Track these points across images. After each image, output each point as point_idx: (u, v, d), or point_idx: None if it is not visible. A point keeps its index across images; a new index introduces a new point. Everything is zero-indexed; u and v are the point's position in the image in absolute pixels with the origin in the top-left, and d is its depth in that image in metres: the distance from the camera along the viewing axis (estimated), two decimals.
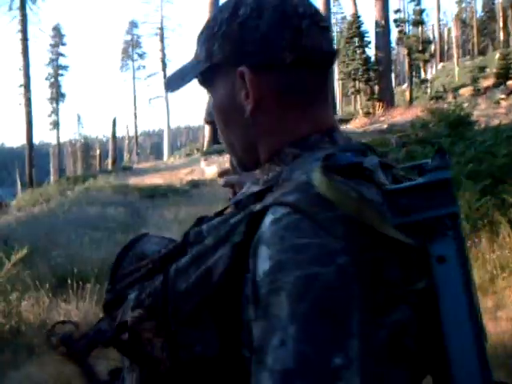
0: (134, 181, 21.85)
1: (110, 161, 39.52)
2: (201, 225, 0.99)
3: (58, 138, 62.15)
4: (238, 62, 0.98)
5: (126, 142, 60.89)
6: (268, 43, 0.96)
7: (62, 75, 60.49)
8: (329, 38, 1.03)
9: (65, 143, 75.89)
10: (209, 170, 20.54)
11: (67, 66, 61.35)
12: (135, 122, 57.10)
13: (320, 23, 1.00)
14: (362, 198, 0.80)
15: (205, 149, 28.48)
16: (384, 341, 0.76)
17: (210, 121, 1.13)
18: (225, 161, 19.63)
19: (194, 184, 17.98)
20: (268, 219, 0.82)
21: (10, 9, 38.52)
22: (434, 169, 0.83)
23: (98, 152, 53.88)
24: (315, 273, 0.75)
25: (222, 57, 1.01)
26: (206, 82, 1.09)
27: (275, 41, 0.96)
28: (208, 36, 1.04)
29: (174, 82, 1.13)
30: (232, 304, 0.85)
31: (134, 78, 59.18)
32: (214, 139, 28.85)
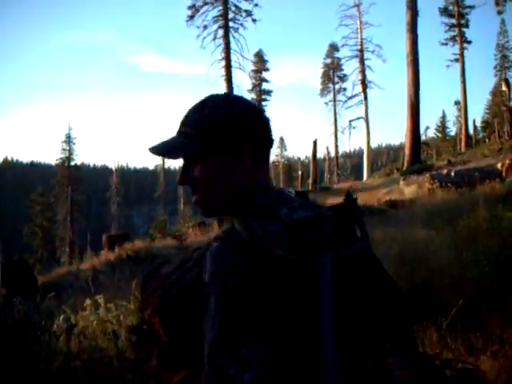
0: (331, 201, 22.07)
1: (310, 181, 40.08)
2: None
3: None
4: (239, 141, 1.59)
5: (327, 162, 61.50)
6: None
7: (265, 100, 62.62)
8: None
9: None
10: (408, 190, 20.24)
11: (271, 91, 63.48)
12: (336, 143, 57.60)
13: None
14: (256, 230, 1.37)
15: (404, 168, 28.09)
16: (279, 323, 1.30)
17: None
18: (424, 181, 19.29)
19: (392, 204, 17.75)
20: (211, 249, 1.39)
21: (215, 38, 40.57)
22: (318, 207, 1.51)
23: (299, 173, 55.01)
24: (228, 282, 1.31)
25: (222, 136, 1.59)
26: (197, 155, 1.59)
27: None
28: (207, 121, 1.60)
29: (173, 152, 1.64)
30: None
31: (334, 100, 59.82)
32: (415, 159, 28.37)
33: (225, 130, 1.59)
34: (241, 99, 1.69)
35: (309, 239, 1.36)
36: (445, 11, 48.81)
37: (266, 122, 1.67)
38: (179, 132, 1.65)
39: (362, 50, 49.17)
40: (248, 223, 1.39)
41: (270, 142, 1.69)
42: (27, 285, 15.03)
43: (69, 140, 60.52)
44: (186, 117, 1.66)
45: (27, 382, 5.07)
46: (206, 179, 1.60)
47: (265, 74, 62.57)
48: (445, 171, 19.89)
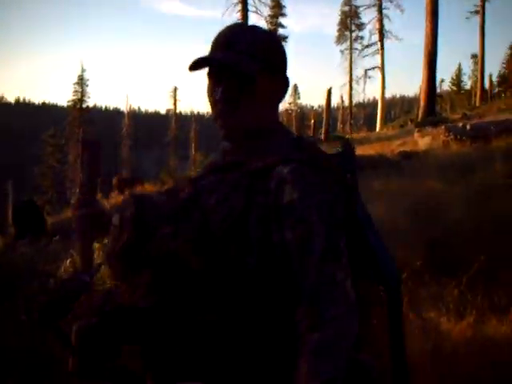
0: None
1: (323, 130, 39.80)
2: (200, 181, 1.67)
3: None
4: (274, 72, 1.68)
5: (341, 112, 61.11)
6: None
7: None
8: None
9: (281, 112, 77.84)
10: (422, 141, 19.99)
11: (286, 37, 62.55)
12: (350, 93, 57.03)
13: None
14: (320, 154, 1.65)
15: (419, 120, 27.75)
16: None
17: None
18: (439, 133, 19.01)
19: (406, 155, 17.53)
20: (284, 170, 1.52)
21: None
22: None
23: (312, 121, 54.56)
24: (325, 198, 1.49)
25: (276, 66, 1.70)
26: (248, 76, 1.61)
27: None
28: (264, 44, 1.65)
29: (237, 65, 1.60)
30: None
31: (351, 48, 59.00)
32: (429, 111, 28.02)
33: (278, 58, 1.71)
34: (276, 36, 1.88)
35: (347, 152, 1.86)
36: None
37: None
38: (228, 50, 1.62)
39: None
40: (317, 149, 1.69)
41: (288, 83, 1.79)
42: (36, 225, 15.05)
43: (81, 81, 60.02)
44: (236, 36, 1.64)
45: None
46: (253, 101, 1.65)
47: (281, 20, 61.57)
48: (460, 124, 19.58)
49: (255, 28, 1.70)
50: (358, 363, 1.48)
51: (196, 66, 1.64)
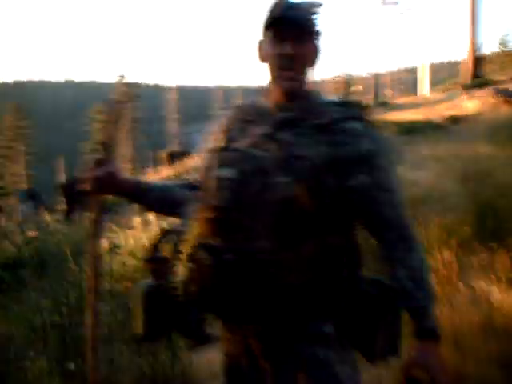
0: (391, 116, 21.58)
1: (370, 96, 39.44)
2: (278, 135, 1.86)
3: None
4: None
5: (388, 77, 60.24)
6: None
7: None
8: None
9: (326, 80, 77.15)
10: (470, 105, 19.60)
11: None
12: (394, 58, 56.15)
13: None
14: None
15: (466, 83, 27.17)
16: None
17: None
18: (487, 95, 18.60)
19: (454, 120, 17.21)
20: (355, 125, 1.85)
21: None
22: None
23: (359, 88, 54.20)
24: (387, 149, 1.85)
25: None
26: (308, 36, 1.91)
27: None
28: (313, 17, 1.90)
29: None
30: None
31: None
32: (476, 74, 27.39)
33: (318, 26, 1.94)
34: None
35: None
36: None
37: None
38: (302, 14, 1.89)
39: None
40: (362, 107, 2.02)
41: None
42: (85, 201, 15.31)
43: (128, 59, 60.40)
44: (293, 4, 1.90)
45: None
46: (307, 62, 1.94)
47: None
48: (509, 86, 19.12)
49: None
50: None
51: (276, 22, 1.89)
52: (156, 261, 1.87)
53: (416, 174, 9.80)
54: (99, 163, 1.96)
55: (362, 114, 1.89)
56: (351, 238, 1.91)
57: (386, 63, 56.09)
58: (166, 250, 1.84)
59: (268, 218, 1.75)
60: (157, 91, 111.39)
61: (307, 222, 1.76)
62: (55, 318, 5.02)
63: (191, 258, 1.78)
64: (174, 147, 57.55)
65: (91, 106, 58.69)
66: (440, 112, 20.28)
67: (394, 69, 58.18)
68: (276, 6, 1.90)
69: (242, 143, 1.88)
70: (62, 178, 43.11)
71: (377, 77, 42.09)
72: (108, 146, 1.98)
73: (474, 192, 7.46)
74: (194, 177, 2.09)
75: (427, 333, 1.73)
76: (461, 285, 5.19)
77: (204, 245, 1.78)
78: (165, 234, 1.94)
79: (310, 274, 1.78)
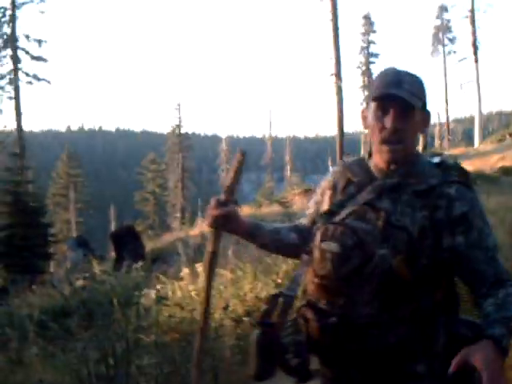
0: None
1: (420, 147, 39.15)
2: (378, 204, 2.07)
3: None
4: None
5: (437, 128, 59.79)
6: None
7: (373, 63, 61.27)
8: None
9: None
10: None
11: (378, 54, 61.97)
12: (446, 108, 55.84)
13: None
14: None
15: None
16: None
17: None
18: None
19: (506, 171, 17.02)
20: (450, 190, 2.01)
21: None
22: None
23: None
24: (481, 208, 2.03)
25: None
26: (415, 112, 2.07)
27: None
28: (421, 89, 2.13)
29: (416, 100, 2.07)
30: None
31: (444, 62, 57.77)
32: None
33: (425, 96, 2.16)
34: None
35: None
36: None
37: None
38: (399, 88, 2.04)
39: (472, 11, 47.03)
40: (459, 169, 2.16)
41: None
42: (135, 250, 15.45)
43: (179, 108, 61.40)
44: (403, 78, 2.08)
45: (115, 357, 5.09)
46: (413, 131, 2.12)
47: (372, 37, 61.09)
48: None
49: (410, 73, 2.14)
50: None
51: (379, 98, 2.09)
52: (266, 325, 2.05)
53: None
54: (221, 203, 2.21)
55: (459, 178, 2.07)
56: (449, 290, 2.09)
57: (436, 112, 55.71)
58: (275, 315, 2.06)
59: (368, 288, 1.93)
60: (213, 141, 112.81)
61: (405, 289, 1.96)
62: (101, 369, 5.06)
63: (301, 315, 2.03)
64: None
65: (143, 156, 59.65)
66: (491, 163, 20.08)
67: (443, 119, 57.61)
68: (382, 77, 2.15)
69: (346, 211, 2.10)
70: (113, 226, 43.72)
71: (430, 127, 41.81)
72: (230, 190, 2.25)
73: None
74: (301, 221, 2.43)
75: (498, 342, 1.81)
76: None
77: (312, 305, 2.02)
78: (275, 297, 2.11)
79: (407, 331, 1.99)
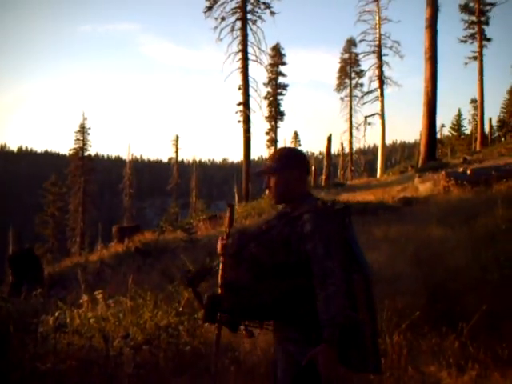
0: (344, 197, 21.75)
1: (323, 177, 39.84)
2: (271, 221, 3.41)
3: None
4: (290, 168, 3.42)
5: (341, 158, 61.13)
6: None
7: (281, 94, 62.18)
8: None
9: None
10: (423, 187, 19.90)
11: (287, 85, 62.98)
12: (350, 139, 57.29)
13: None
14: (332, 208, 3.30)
15: (419, 166, 27.73)
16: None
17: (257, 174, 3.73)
18: (439, 178, 18.93)
19: (407, 201, 17.38)
20: (306, 216, 3.16)
21: (232, 30, 40.30)
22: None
23: (312, 168, 54.81)
24: (322, 230, 3.11)
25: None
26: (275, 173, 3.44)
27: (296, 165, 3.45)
28: (283, 158, 3.46)
29: (265, 172, 3.52)
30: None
31: (351, 95, 59.44)
32: (430, 156, 28.00)
33: (291, 161, 3.43)
34: (295, 149, 3.66)
35: (345, 209, 3.35)
36: (465, 8, 47.71)
37: (305, 159, 3.52)
38: (271, 160, 3.50)
39: (379, 46, 48.58)
40: (322, 202, 3.31)
41: (308, 170, 3.51)
42: (34, 274, 14.84)
43: (83, 130, 60.04)
44: (273, 153, 3.61)
45: None
46: (281, 184, 3.41)
47: (281, 68, 62.01)
48: (461, 169, 19.52)
49: (284, 148, 3.69)
50: (352, 316, 3.08)
51: (259, 174, 3.62)
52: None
53: (369, 255, 9.72)
54: (228, 237, 3.45)
55: (316, 209, 3.20)
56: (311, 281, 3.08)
57: (340, 143, 57.22)
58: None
59: (245, 265, 3.24)
60: (117, 164, 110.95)
61: (267, 270, 3.17)
62: None
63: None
64: (127, 221, 57.10)
65: (46, 178, 58.07)
66: (393, 194, 20.55)
67: (346, 150, 59.01)
68: (264, 163, 3.68)
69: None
70: (11, 249, 42.14)
71: (331, 157, 42.69)
72: (229, 232, 3.49)
73: (426, 275, 7.40)
74: None
75: (329, 342, 2.92)
76: (410, 369, 5.10)
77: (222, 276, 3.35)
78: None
79: (273, 298, 3.14)
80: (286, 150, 3.58)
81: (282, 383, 3.18)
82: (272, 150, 62.84)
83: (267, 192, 3.51)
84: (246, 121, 39.73)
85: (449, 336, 5.57)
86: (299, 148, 4.02)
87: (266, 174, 3.46)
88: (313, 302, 2.99)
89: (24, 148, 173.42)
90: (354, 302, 3.12)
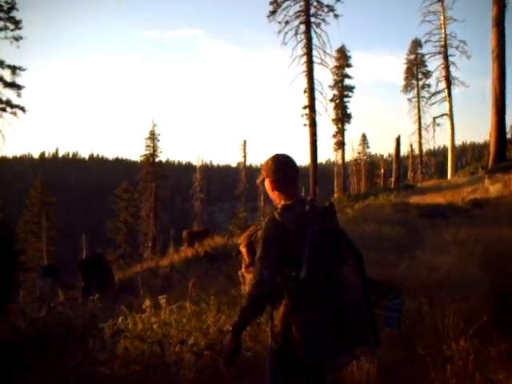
0: (414, 199, 21.47)
1: (393, 179, 39.40)
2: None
3: (343, 157, 63.60)
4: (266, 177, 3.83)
5: (410, 160, 60.26)
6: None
7: (347, 96, 61.82)
8: (295, 169, 3.79)
9: (350, 162, 77.50)
10: (493, 188, 19.47)
11: (353, 87, 62.61)
12: (419, 141, 56.37)
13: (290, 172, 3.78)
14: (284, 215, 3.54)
15: (489, 167, 27.11)
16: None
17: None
18: (510, 179, 18.49)
19: (477, 203, 17.05)
20: (269, 217, 3.64)
21: (296, 33, 40.33)
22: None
23: (381, 171, 54.24)
24: (265, 234, 3.51)
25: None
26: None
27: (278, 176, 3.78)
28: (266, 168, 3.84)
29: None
30: None
31: (418, 96, 58.54)
32: (500, 156, 27.33)
33: (271, 171, 3.73)
34: (271, 157, 3.80)
35: (302, 221, 3.47)
36: None
37: (283, 166, 3.75)
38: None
39: (445, 46, 47.69)
40: (277, 212, 3.55)
41: (287, 175, 3.75)
42: (103, 280, 15.20)
43: (153, 136, 60.81)
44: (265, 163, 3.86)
45: None
46: (270, 191, 3.81)
47: (347, 70, 61.73)
48: None
49: (270, 158, 3.80)
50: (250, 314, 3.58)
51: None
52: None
53: (437, 258, 9.60)
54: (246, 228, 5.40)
55: (273, 213, 3.57)
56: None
57: (409, 145, 56.47)
58: None
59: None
60: (187, 169, 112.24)
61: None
62: None
63: None
64: (197, 226, 57.65)
65: (116, 184, 59.20)
66: (463, 195, 20.16)
67: (416, 151, 58.08)
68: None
69: None
70: (84, 255, 43.17)
71: (401, 159, 42.21)
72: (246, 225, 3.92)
73: (495, 277, 7.22)
74: None
75: (233, 331, 3.54)
76: (477, 377, 4.89)
77: None
78: None
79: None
80: (273, 156, 3.77)
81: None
82: (339, 152, 62.65)
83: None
84: (312, 124, 39.65)
85: None
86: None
87: (261, 182, 3.90)
88: (279, 295, 3.50)
89: (95, 155, 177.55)
90: (316, 294, 3.37)
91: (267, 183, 3.75)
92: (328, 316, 3.34)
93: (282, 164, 3.71)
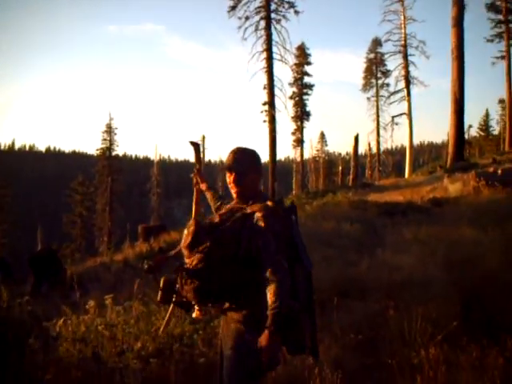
0: (372, 197, 21.41)
1: (351, 177, 39.50)
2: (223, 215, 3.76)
3: (302, 155, 63.65)
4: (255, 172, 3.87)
5: (368, 159, 60.68)
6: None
7: (306, 94, 61.81)
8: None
9: (308, 160, 77.68)
10: (452, 187, 19.50)
11: (312, 85, 62.59)
12: (377, 139, 56.69)
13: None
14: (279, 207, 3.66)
15: (448, 166, 27.26)
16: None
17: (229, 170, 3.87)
18: (469, 178, 18.52)
19: (436, 202, 17.02)
20: (258, 214, 3.49)
21: (256, 29, 40.11)
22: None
23: (339, 168, 54.39)
24: (274, 228, 3.45)
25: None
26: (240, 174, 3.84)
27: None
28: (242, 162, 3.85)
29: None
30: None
31: (377, 95, 58.87)
32: (458, 156, 27.51)
33: (246, 166, 3.77)
34: (256, 152, 3.90)
35: (291, 208, 3.76)
36: (492, 7, 46.78)
37: (260, 161, 3.93)
38: (233, 162, 3.78)
39: (405, 46, 47.97)
40: (271, 204, 3.55)
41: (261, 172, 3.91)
42: (54, 275, 14.70)
43: (110, 130, 60.05)
44: (235, 156, 3.80)
45: None
46: (243, 184, 3.76)
47: (307, 68, 61.69)
48: (491, 169, 19.06)
49: (250, 150, 3.87)
50: (292, 305, 3.40)
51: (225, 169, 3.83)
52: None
53: (398, 257, 9.40)
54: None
55: (267, 208, 3.50)
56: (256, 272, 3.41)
57: (367, 144, 56.74)
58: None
59: (198, 255, 3.54)
60: (144, 164, 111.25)
61: (217, 260, 3.47)
62: None
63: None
64: (154, 221, 57.11)
65: (73, 178, 58.32)
66: (422, 194, 20.15)
67: (374, 150, 58.47)
68: (228, 157, 3.84)
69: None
70: (38, 248, 42.27)
71: (359, 158, 42.40)
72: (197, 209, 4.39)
73: (459, 279, 7.03)
74: None
75: (270, 331, 3.21)
76: None
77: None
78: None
79: (225, 282, 3.49)
80: (252, 152, 3.85)
81: (229, 361, 3.54)
82: (298, 150, 62.67)
83: (230, 185, 3.79)
84: (272, 121, 39.48)
85: (491, 349, 5.05)
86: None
87: (233, 172, 3.75)
88: (259, 290, 3.32)
89: (52, 148, 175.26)
90: (296, 291, 3.49)
91: (249, 180, 3.76)
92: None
93: (259, 158, 3.89)
